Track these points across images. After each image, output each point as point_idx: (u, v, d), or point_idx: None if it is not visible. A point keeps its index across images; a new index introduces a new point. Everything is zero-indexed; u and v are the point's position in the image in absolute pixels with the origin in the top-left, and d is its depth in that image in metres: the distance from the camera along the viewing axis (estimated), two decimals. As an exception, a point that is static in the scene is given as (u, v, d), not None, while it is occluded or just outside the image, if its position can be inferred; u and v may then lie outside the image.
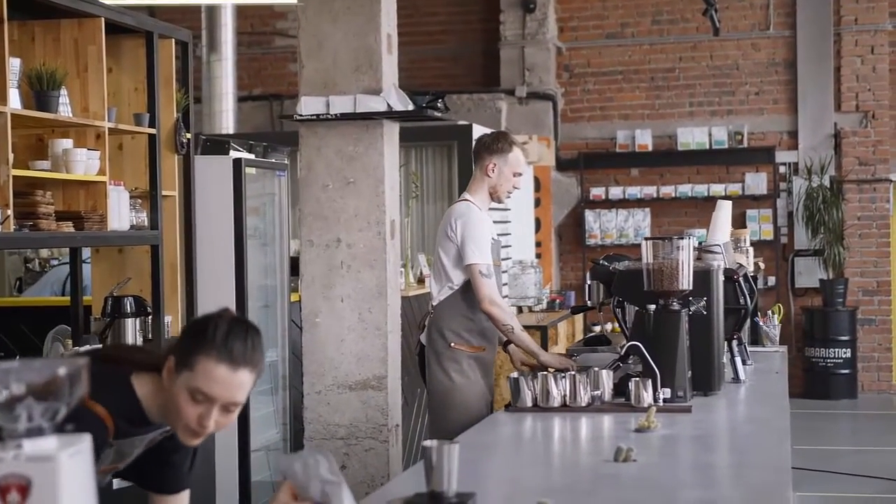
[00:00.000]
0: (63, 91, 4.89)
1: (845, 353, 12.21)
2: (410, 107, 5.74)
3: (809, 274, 12.54)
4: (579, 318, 11.19)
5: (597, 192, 12.90)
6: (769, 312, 6.42)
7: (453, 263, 5.15)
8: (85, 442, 1.75)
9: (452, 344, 5.16)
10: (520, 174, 5.32)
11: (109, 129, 5.21)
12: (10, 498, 1.68)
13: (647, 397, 4.11)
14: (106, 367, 2.68)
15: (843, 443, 10.36)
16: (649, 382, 4.14)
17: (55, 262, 8.18)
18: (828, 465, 8.94)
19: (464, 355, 5.18)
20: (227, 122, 10.63)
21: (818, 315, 12.32)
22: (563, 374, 4.24)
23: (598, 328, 12.04)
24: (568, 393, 4.19)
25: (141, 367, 2.70)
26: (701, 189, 12.63)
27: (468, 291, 5.13)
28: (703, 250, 5.01)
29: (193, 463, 2.89)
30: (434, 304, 5.27)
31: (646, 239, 4.38)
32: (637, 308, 4.44)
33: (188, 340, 2.61)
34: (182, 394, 2.56)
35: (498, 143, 5.29)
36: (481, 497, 2.78)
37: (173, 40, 5.83)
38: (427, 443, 2.68)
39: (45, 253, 8.30)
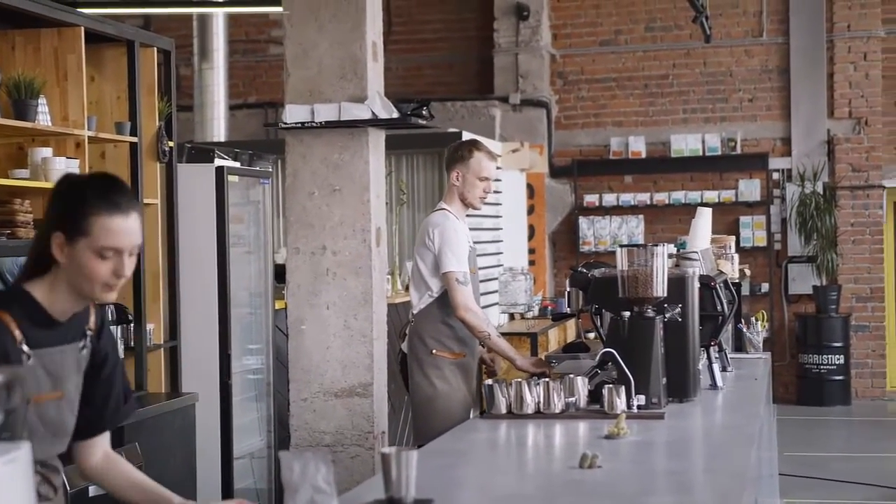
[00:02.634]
0: (42, 100, 4.90)
1: (839, 359, 12.21)
2: (395, 114, 5.75)
3: (803, 280, 12.54)
4: (571, 324, 11.20)
5: (590, 198, 12.91)
6: (752, 319, 6.42)
7: (431, 272, 5.22)
8: (23, 450, 1.76)
9: (434, 351, 5.23)
10: (486, 178, 5.33)
11: (91, 137, 5.22)
12: (-56, 505, 1.68)
13: (621, 404, 4.12)
14: None
15: (836, 449, 10.36)
16: (622, 389, 4.15)
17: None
18: (820, 471, 8.94)
19: (445, 362, 5.22)
20: (218, 130, 10.65)
21: (812, 321, 12.32)
22: (537, 381, 4.25)
23: (592, 335, 12.03)
24: (542, 400, 4.20)
25: (27, 276, 2.74)
26: (694, 196, 12.64)
27: (447, 299, 5.17)
28: (680, 257, 5.02)
29: (128, 397, 2.93)
30: (414, 312, 5.36)
31: (621, 246, 4.39)
32: (612, 315, 4.45)
33: (69, 211, 2.66)
34: (89, 258, 2.64)
35: (458, 151, 5.37)
36: (441, 503, 2.79)
37: (155, 49, 5.85)
38: (385, 450, 2.70)
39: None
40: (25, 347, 2.63)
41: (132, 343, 5.57)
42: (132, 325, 5.53)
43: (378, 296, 5.81)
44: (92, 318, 2.83)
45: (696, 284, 4.59)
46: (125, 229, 2.65)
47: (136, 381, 5.44)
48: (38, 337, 2.67)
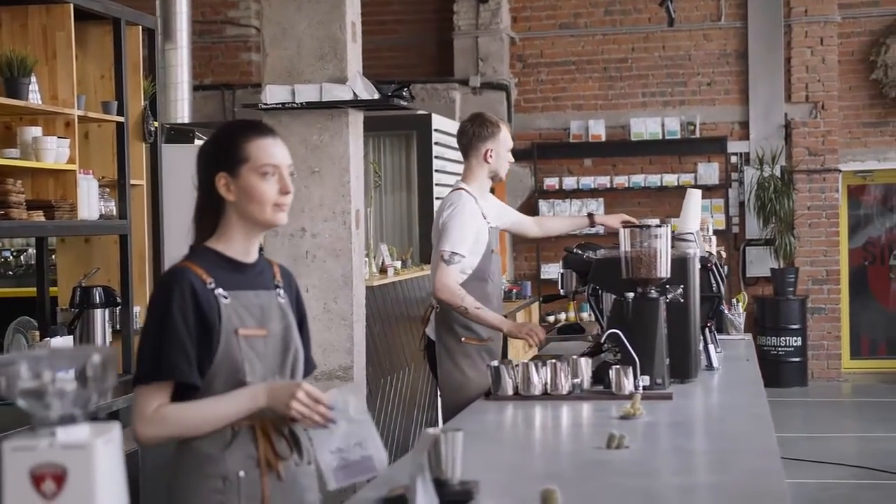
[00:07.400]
0: (33, 78, 4.81)
1: (796, 341, 12.36)
2: (376, 95, 5.72)
3: (761, 263, 12.67)
4: (535, 307, 11.25)
5: (550, 182, 12.94)
6: (734, 301, 6.47)
7: None
8: (115, 430, 1.73)
9: (463, 339, 5.13)
10: (510, 149, 5.41)
11: (79, 117, 5.13)
12: (45, 487, 1.65)
13: (629, 385, 4.13)
14: None
15: (794, 430, 10.47)
16: (630, 370, 4.15)
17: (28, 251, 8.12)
18: (780, 451, 9.04)
19: (474, 348, 5.11)
20: (182, 111, 10.50)
21: (769, 304, 12.45)
22: (543, 363, 4.24)
23: (552, 318, 12.09)
24: (549, 381, 4.19)
25: (198, 241, 2.93)
26: (654, 179, 12.71)
27: (473, 283, 5.07)
28: (676, 238, 5.03)
29: (308, 342, 3.03)
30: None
31: (624, 226, 4.38)
32: (615, 296, 4.44)
33: (225, 151, 2.87)
34: (254, 182, 2.84)
35: (487, 128, 5.30)
36: (484, 485, 2.77)
37: (140, 27, 5.76)
38: (432, 430, 2.67)
39: (19, 242, 8.24)
40: (220, 290, 2.81)
41: (118, 326, 5.48)
42: (119, 307, 5.45)
43: (358, 278, 5.79)
44: (277, 273, 2.98)
45: (697, 265, 4.61)
46: (276, 147, 2.88)
47: (124, 364, 5.36)
48: (230, 280, 2.85)
